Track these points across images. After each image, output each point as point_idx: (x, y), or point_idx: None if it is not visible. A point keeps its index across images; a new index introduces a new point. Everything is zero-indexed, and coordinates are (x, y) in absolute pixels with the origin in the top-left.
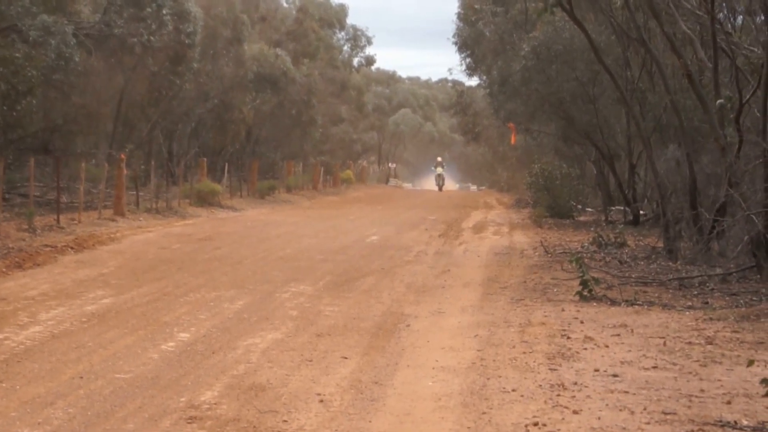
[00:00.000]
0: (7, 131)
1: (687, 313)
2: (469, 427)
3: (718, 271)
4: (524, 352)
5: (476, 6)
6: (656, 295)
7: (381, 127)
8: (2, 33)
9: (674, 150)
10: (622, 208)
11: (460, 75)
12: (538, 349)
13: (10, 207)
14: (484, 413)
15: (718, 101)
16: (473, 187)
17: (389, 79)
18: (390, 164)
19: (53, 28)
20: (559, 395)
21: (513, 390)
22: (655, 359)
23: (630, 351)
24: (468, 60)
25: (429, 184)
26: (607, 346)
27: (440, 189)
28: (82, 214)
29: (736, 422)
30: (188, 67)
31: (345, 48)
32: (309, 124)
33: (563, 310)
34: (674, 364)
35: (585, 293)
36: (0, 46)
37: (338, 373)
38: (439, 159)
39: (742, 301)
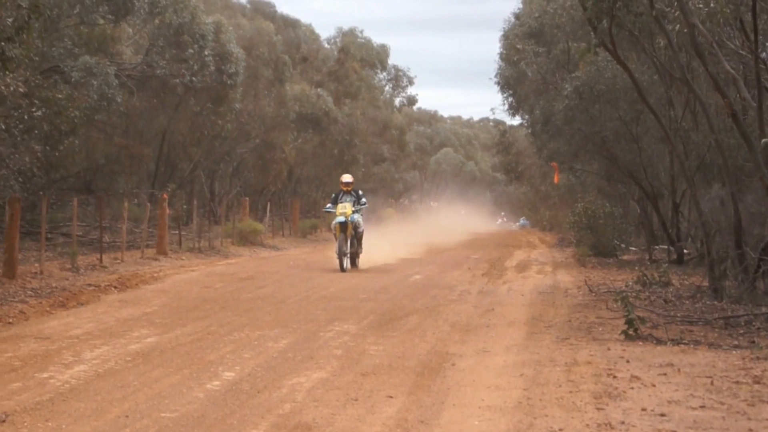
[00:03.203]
0: (50, 171)
1: (734, 352)
2: None
3: (764, 310)
4: (570, 392)
5: (518, 46)
6: (702, 334)
7: (423, 166)
8: (45, 74)
9: (718, 189)
10: (665, 247)
11: (502, 114)
12: (584, 388)
13: (53, 246)
14: None
15: (763, 140)
16: (515, 226)
17: (431, 118)
18: (431, 203)
19: (95, 69)
20: None
21: (560, 429)
22: (703, 399)
23: (677, 390)
24: (510, 99)
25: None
26: (653, 386)
27: (344, 267)
28: (125, 254)
29: None
30: (230, 108)
31: (387, 88)
32: (351, 164)
33: (609, 349)
34: (722, 403)
35: (630, 332)
36: (43, 87)
37: (384, 413)
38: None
39: None
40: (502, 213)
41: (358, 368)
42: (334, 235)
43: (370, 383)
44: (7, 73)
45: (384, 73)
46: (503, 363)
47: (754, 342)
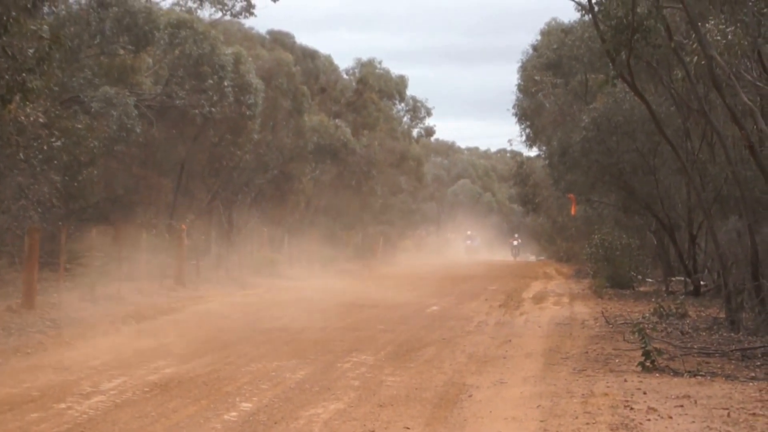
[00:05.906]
0: (68, 202)
1: (750, 384)
2: None
3: None
4: (587, 423)
5: (536, 77)
6: (719, 366)
7: (440, 197)
8: (65, 104)
9: (735, 221)
10: (682, 278)
11: (519, 145)
12: (601, 420)
13: (71, 277)
14: None
15: None
16: (532, 258)
17: (448, 149)
18: (448, 234)
19: (115, 100)
20: None
21: None
22: (719, 431)
23: (694, 422)
24: (528, 131)
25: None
26: (670, 417)
27: None
28: (143, 284)
29: None
30: (248, 138)
31: (405, 119)
32: (368, 195)
33: (626, 380)
34: None
35: (647, 364)
36: (62, 117)
37: None
38: None
39: None
40: (516, 235)
41: (376, 399)
42: None
43: (387, 414)
44: (28, 103)
45: (402, 104)
46: (520, 394)
47: None
